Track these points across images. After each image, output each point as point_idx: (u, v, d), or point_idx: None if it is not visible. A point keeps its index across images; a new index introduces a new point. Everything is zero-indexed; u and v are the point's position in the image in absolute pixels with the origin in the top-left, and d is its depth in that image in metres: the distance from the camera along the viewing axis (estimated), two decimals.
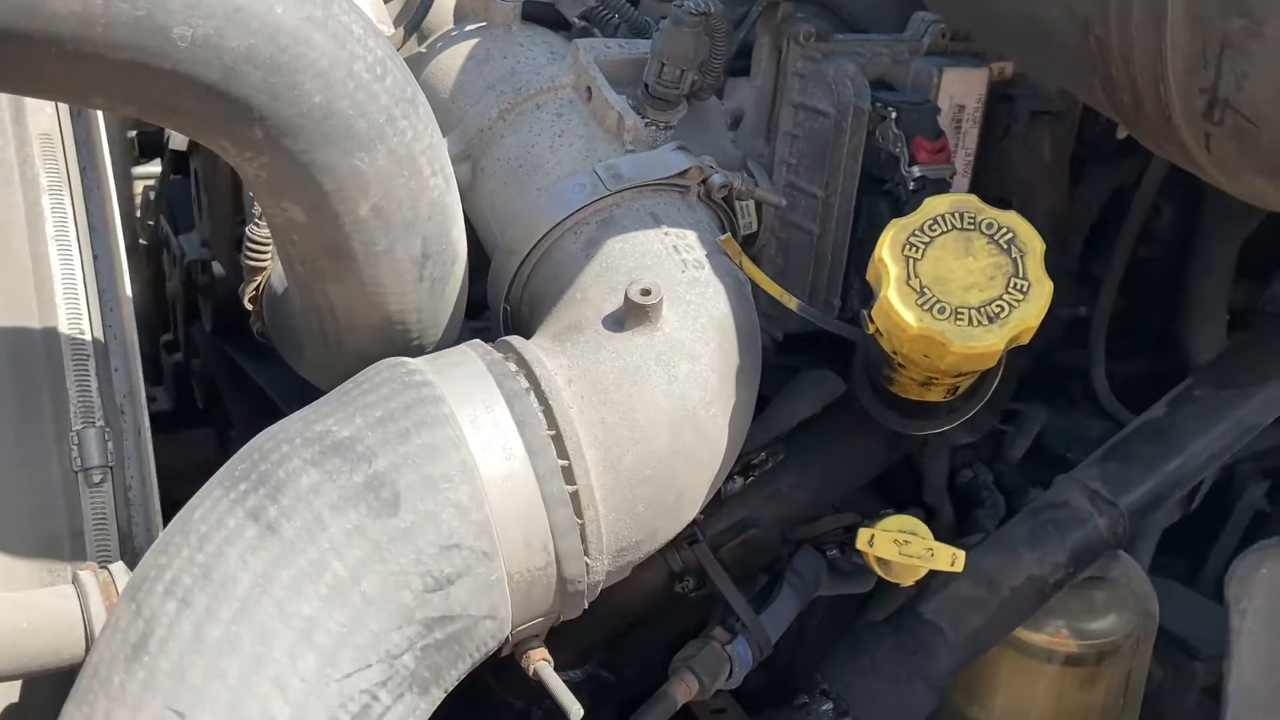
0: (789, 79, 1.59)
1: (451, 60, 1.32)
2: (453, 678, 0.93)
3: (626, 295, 1.01)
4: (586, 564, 0.96)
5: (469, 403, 0.94)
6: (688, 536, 1.26)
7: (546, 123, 1.22)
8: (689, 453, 1.02)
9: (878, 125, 1.47)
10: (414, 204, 1.01)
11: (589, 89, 1.22)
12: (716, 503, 1.28)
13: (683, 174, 1.16)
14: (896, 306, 0.93)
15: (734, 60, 1.77)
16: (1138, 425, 1.38)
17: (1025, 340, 0.95)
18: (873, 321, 0.98)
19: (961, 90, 1.65)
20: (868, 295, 0.99)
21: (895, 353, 0.99)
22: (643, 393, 1.00)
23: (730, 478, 1.28)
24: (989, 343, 0.91)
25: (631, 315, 1.01)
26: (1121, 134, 1.83)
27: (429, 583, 0.88)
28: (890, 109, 1.47)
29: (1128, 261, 2.06)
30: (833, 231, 1.60)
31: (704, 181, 1.18)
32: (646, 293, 1.01)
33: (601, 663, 1.48)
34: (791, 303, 1.15)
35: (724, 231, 1.19)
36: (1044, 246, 0.95)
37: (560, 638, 1.35)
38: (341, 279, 1.02)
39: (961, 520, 1.84)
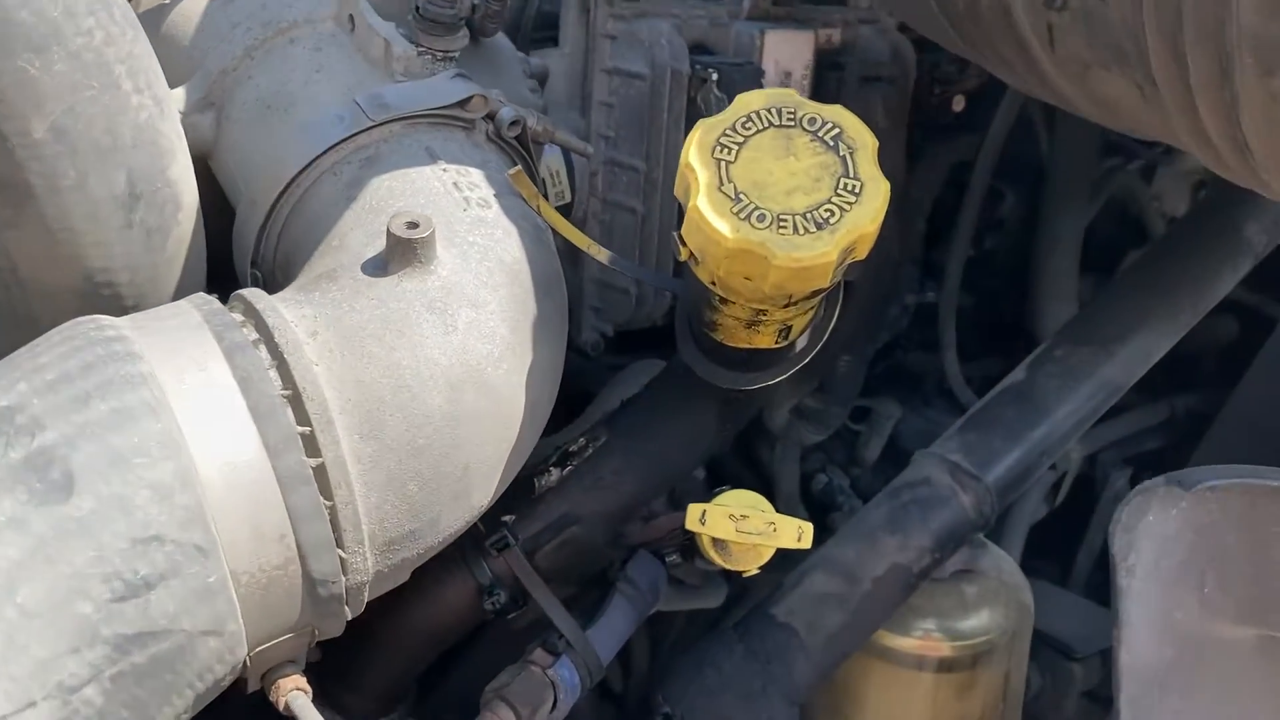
0: (599, 42, 1.44)
1: (195, 3, 1.12)
2: (168, 718, 0.71)
3: (389, 230, 0.82)
4: (342, 559, 0.76)
5: (175, 359, 0.73)
6: (497, 541, 1.06)
7: (302, 58, 1.03)
8: (475, 418, 0.83)
9: (699, 89, 1.33)
10: (111, 126, 0.80)
11: (351, 18, 1.04)
12: (531, 499, 1.09)
13: (463, 104, 0.98)
14: (709, 217, 0.76)
15: (542, 31, 1.62)
16: (998, 392, 1.25)
17: (862, 252, 0.80)
18: (684, 244, 0.81)
19: (787, 55, 1.53)
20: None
21: (714, 282, 0.82)
22: (412, 345, 0.81)
23: (545, 469, 1.10)
24: (819, 252, 0.76)
25: (397, 254, 0.83)
26: (958, 106, 1.75)
27: (118, 588, 0.67)
28: (712, 70, 1.33)
29: (973, 252, 1.98)
30: (659, 209, 1.45)
31: (491, 117, 1.00)
32: (414, 225, 0.82)
33: (413, 712, 1.26)
34: (600, 254, 0.98)
35: None
36: (876, 142, 0.80)
37: (353, 677, 1.13)
38: (19, 223, 0.80)
39: (818, 528, 1.68)
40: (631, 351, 1.52)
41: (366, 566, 0.78)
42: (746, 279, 0.79)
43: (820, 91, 1.57)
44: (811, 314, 0.89)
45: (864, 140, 0.79)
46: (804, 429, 1.67)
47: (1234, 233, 1.28)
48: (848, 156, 0.79)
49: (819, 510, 1.72)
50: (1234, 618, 0.96)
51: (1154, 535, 0.87)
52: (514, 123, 1.01)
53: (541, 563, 1.08)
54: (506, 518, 1.07)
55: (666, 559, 1.18)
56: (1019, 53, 0.92)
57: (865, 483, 1.82)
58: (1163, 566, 0.90)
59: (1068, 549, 2.09)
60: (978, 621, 1.29)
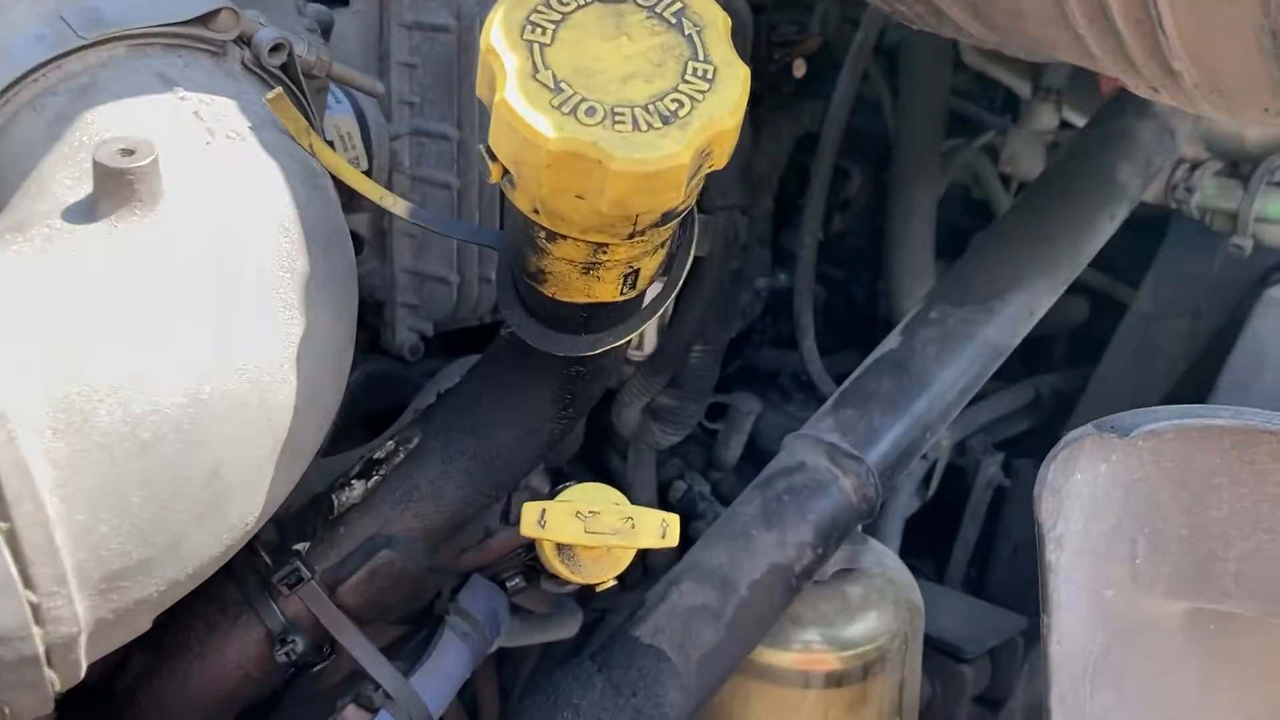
0: None
1: None
2: None
3: (96, 160, 0.61)
4: (33, 604, 0.54)
5: None
6: (289, 575, 0.84)
7: None
8: (224, 407, 0.62)
9: None
10: None
11: None
12: (330, 521, 0.88)
13: (208, 21, 0.77)
14: (522, 112, 0.58)
15: None
16: (871, 362, 1.10)
17: (721, 156, 0.63)
18: (493, 158, 0.63)
19: None
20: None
21: (537, 210, 0.64)
22: (131, 311, 0.60)
23: (347, 483, 0.89)
24: (668, 153, 0.58)
25: (108, 193, 0.61)
26: (799, 71, 1.62)
27: None
28: None
29: (821, 236, 1.85)
30: (476, 180, 1.26)
31: (247, 41, 0.80)
32: (129, 153, 0.62)
33: None
34: (396, 204, 0.79)
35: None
36: (727, 20, 0.63)
37: None
38: None
39: (680, 540, 1.51)
40: (451, 352, 1.32)
41: (75, 613, 0.56)
42: (578, 197, 0.61)
43: None
44: (663, 253, 0.71)
45: (713, 17, 0.62)
46: (658, 430, 1.50)
47: (1108, 176, 1.18)
48: (694, 36, 0.61)
49: (679, 521, 1.55)
50: (1165, 591, 0.83)
51: (1083, 497, 0.72)
52: (277, 47, 0.80)
53: (348, 598, 0.86)
54: (299, 546, 0.86)
55: (507, 584, 0.98)
56: None
57: (727, 487, 1.66)
58: (1093, 535, 0.75)
59: (941, 544, 1.98)
60: (865, 627, 1.14)
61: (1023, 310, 1.12)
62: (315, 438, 0.71)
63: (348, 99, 1.12)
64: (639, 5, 0.62)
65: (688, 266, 0.73)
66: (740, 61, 0.62)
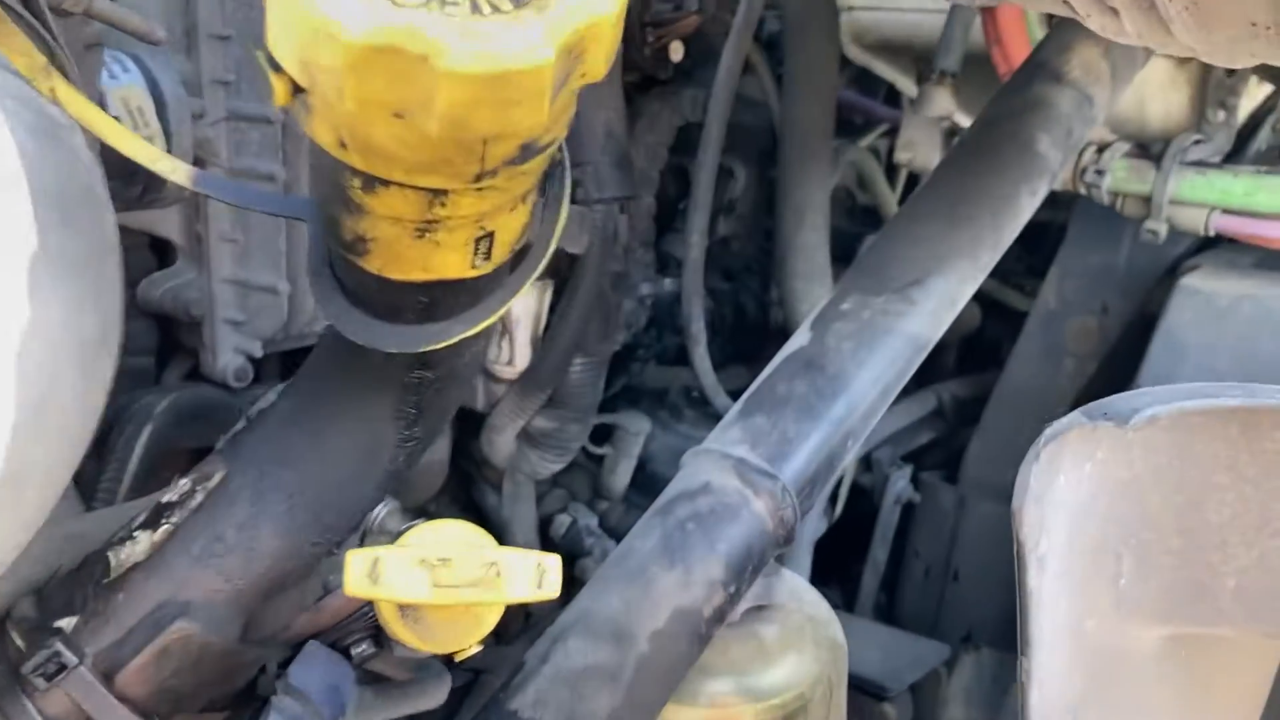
0: None
1: None
2: None
3: None
4: None
5: None
6: (47, 662, 0.64)
7: None
8: None
9: None
10: None
11: None
12: (104, 587, 0.67)
13: None
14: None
15: None
16: (780, 363, 0.95)
17: (597, 62, 0.47)
18: (276, 68, 0.44)
19: None
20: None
21: (344, 144, 0.46)
22: None
23: (128, 536, 0.68)
24: (523, 46, 0.41)
25: None
26: (676, 54, 1.47)
27: None
28: None
29: (710, 239, 1.71)
30: (307, 171, 1.08)
31: None
32: None
33: None
34: (177, 171, 0.60)
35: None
36: None
37: None
38: None
39: (566, 582, 1.33)
40: (288, 375, 1.13)
41: None
42: (397, 116, 0.43)
43: None
44: (525, 211, 0.54)
45: None
46: (536, 458, 1.32)
47: (1028, 148, 1.05)
48: None
49: (564, 560, 1.37)
50: (1150, 616, 0.69)
51: (1067, 505, 0.58)
52: None
53: (133, 687, 0.66)
54: (63, 622, 0.65)
55: (353, 651, 0.79)
56: None
57: (616, 519, 1.49)
58: (1075, 552, 0.60)
59: (849, 568, 1.84)
60: (784, 672, 0.98)
61: (945, 299, 0.98)
62: (51, 472, 0.51)
63: (138, 67, 0.92)
64: None
65: (558, 232, 0.56)
66: None
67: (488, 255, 0.54)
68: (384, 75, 0.41)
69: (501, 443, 1.30)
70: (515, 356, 1.26)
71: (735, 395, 1.66)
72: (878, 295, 0.96)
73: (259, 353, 1.10)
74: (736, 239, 1.82)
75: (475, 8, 0.41)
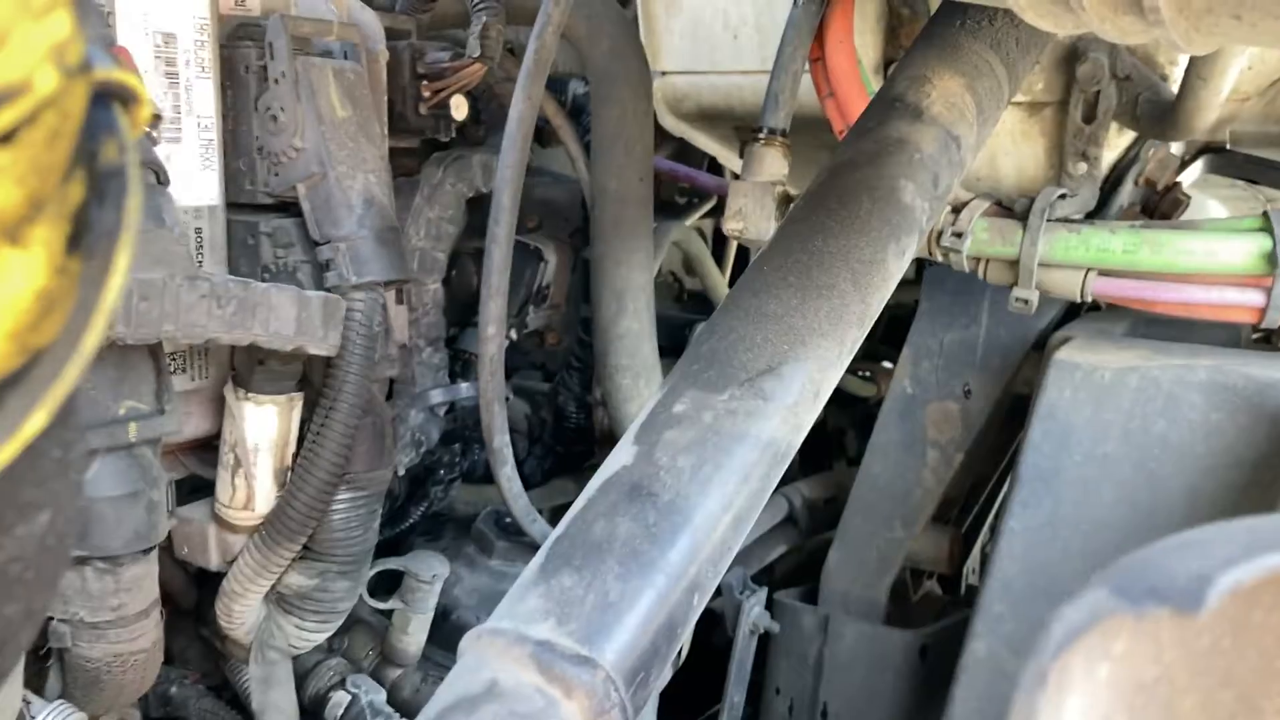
0: None
1: None
2: None
3: None
4: None
5: None
6: None
7: None
8: None
9: None
10: None
11: None
12: None
13: None
14: None
15: None
16: (598, 488, 0.68)
17: None
18: None
19: (162, 4, 0.94)
20: None
21: None
22: None
23: None
24: None
25: None
26: (460, 113, 1.22)
27: None
28: None
29: (513, 337, 1.45)
30: None
31: None
32: None
33: None
34: None
35: None
36: None
37: None
38: None
39: None
40: None
41: None
42: None
43: (231, 70, 0.98)
44: (47, 232, 0.26)
45: None
46: (292, 628, 1.02)
47: (891, 197, 0.84)
48: None
49: None
50: None
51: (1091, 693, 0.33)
52: None
53: None
54: None
55: None
56: None
57: (410, 690, 1.18)
58: None
59: (699, 712, 1.57)
60: None
61: (807, 390, 0.74)
62: None
63: None
64: None
65: (101, 309, 0.28)
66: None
67: None
68: None
69: (243, 611, 0.99)
70: (255, 497, 0.96)
71: (558, 517, 1.40)
72: (720, 391, 0.72)
73: None
74: (552, 330, 1.56)
75: None
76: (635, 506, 0.66)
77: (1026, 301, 1.20)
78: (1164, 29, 0.46)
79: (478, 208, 1.29)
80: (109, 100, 0.30)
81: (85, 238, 0.29)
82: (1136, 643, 0.35)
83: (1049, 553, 1.16)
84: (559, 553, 0.65)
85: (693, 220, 1.84)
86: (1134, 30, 0.50)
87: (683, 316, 1.84)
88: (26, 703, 0.83)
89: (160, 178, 0.81)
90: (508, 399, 1.40)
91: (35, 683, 0.86)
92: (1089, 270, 1.17)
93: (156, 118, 0.83)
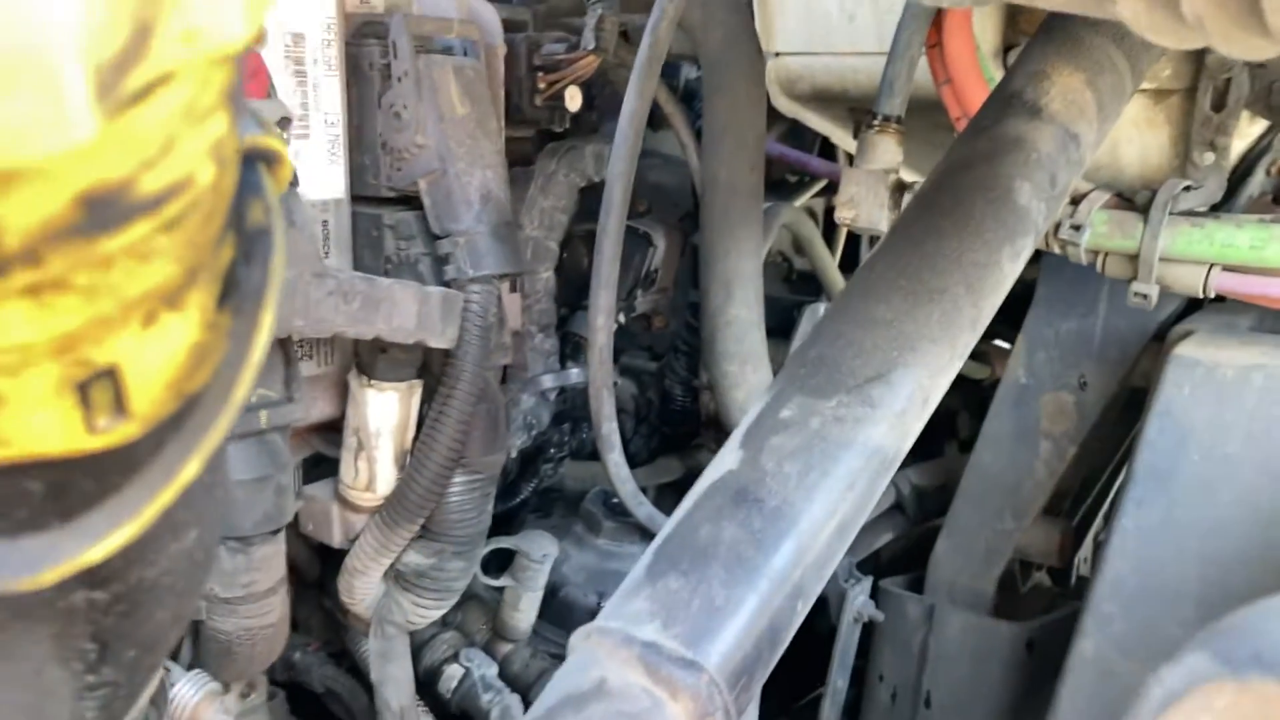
0: None
1: None
2: None
3: None
4: None
5: None
6: None
7: None
8: None
9: None
10: None
11: None
12: None
13: None
14: None
15: None
16: (704, 492, 0.70)
17: (227, 14, 0.22)
18: None
19: (296, 12, 0.97)
20: None
21: None
22: None
23: None
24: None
25: None
26: (574, 104, 1.24)
27: None
28: None
29: (621, 320, 1.47)
30: None
31: None
32: None
33: None
34: None
35: None
36: None
37: None
38: None
39: None
40: None
41: None
42: None
43: (356, 67, 1.01)
44: (177, 323, 0.29)
45: None
46: (410, 604, 1.06)
47: (1007, 199, 0.83)
48: None
49: None
50: None
51: None
52: None
53: None
54: None
55: None
56: None
57: (520, 665, 1.22)
58: None
59: (801, 695, 1.58)
60: None
61: (916, 397, 0.74)
62: None
63: None
64: None
65: (254, 357, 0.31)
66: None
67: (120, 409, 0.29)
68: None
69: (364, 587, 1.03)
70: (376, 479, 1.00)
71: (663, 493, 1.41)
72: (828, 398, 0.72)
73: None
74: (659, 314, 1.58)
75: None
76: (741, 512, 0.67)
77: (1146, 297, 1.17)
78: None
79: (590, 193, 1.32)
80: (255, 162, 0.33)
81: (234, 295, 0.32)
82: (1237, 710, 0.35)
83: (1163, 553, 1.14)
84: (666, 555, 0.67)
85: (803, 201, 1.83)
86: (1258, 49, 0.49)
87: (791, 298, 1.84)
88: (166, 670, 0.88)
89: (291, 178, 0.85)
90: (615, 383, 1.43)
91: (172, 653, 0.92)
92: (1212, 266, 1.14)
93: (287, 120, 0.87)
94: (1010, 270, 0.83)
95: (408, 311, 0.87)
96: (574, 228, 1.34)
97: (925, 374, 0.75)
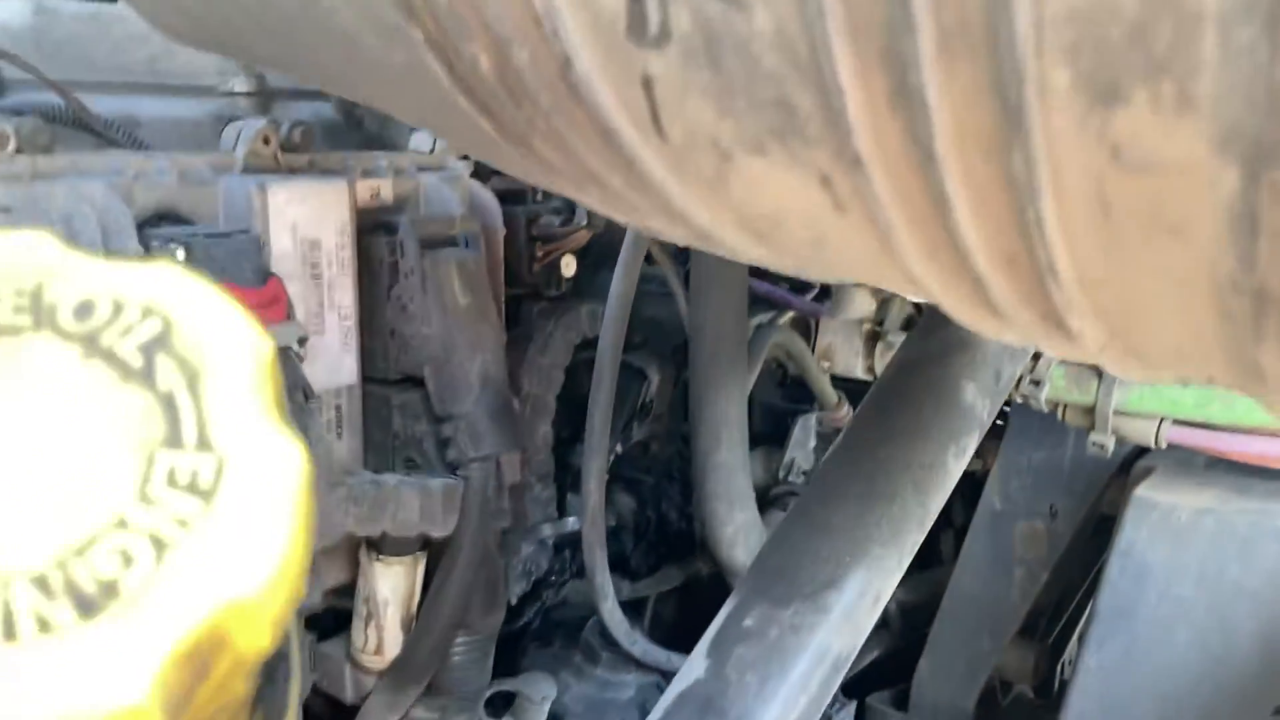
0: None
1: None
2: None
3: None
4: None
5: None
6: None
7: None
8: None
9: None
10: None
11: None
12: None
13: None
14: None
15: None
16: (674, 701, 0.78)
17: (256, 638, 0.31)
18: None
19: (309, 217, 1.07)
20: None
21: None
22: None
23: None
24: (89, 700, 0.25)
25: None
26: (569, 269, 1.34)
27: None
28: (176, 246, 0.87)
29: (619, 449, 1.56)
30: None
31: None
32: None
33: None
34: None
35: None
36: (267, 349, 0.32)
37: None
38: None
39: None
40: None
41: None
42: None
43: (366, 261, 1.11)
44: None
45: (230, 349, 0.31)
46: None
47: (952, 399, 0.92)
48: (182, 394, 0.30)
49: None
50: None
51: None
52: None
53: None
54: None
55: None
56: (600, 147, 0.47)
57: None
58: None
59: None
60: None
61: (866, 599, 0.83)
62: None
63: None
64: (61, 329, 0.30)
65: None
66: (290, 434, 0.30)
67: None
68: None
69: None
70: (384, 644, 1.09)
71: (664, 601, 1.49)
72: (785, 606, 0.81)
73: None
74: (655, 440, 1.67)
75: (7, 628, 0.26)
76: (705, 717, 0.76)
77: (1103, 446, 1.25)
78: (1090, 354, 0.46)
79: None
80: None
81: (255, 716, 0.40)
82: None
83: (1122, 691, 1.22)
84: None
85: (787, 319, 1.92)
86: (1060, 349, 0.50)
87: (784, 405, 1.92)
88: None
89: (308, 395, 0.94)
90: (614, 501, 1.51)
91: None
92: (1163, 419, 1.22)
93: (304, 339, 0.96)
94: (955, 468, 0.91)
95: (411, 507, 0.96)
96: (575, 355, 1.43)
97: (876, 576, 0.83)
